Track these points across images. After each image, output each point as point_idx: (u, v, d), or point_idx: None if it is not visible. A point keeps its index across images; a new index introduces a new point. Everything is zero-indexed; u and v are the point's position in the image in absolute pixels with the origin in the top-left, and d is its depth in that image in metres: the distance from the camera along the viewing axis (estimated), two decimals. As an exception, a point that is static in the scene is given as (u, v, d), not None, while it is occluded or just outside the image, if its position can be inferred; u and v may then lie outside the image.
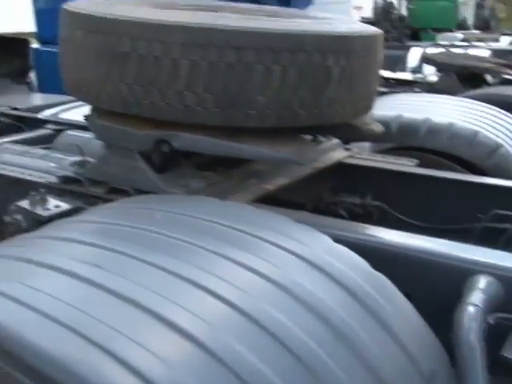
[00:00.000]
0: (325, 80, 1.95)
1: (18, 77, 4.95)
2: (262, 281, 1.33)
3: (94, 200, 2.17)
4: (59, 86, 6.05)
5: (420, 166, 2.68)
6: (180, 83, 1.84)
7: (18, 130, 3.65)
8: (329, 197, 2.63)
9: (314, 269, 1.41)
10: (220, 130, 1.94)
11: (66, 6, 2.11)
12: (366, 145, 3.22)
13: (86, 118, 2.24)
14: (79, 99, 2.23)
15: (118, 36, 1.87)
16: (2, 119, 3.74)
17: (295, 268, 1.40)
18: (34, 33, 5.15)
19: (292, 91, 1.90)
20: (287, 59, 1.86)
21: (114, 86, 1.91)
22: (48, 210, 2.11)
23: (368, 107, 2.29)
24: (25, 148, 2.96)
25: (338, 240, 1.55)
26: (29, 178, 2.44)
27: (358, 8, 9.01)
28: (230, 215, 1.59)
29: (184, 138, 1.94)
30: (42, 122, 3.58)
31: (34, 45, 5.45)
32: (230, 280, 1.30)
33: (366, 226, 1.94)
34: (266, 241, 1.48)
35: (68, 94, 2.31)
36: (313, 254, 1.46)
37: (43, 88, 5.51)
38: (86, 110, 3.49)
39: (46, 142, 3.25)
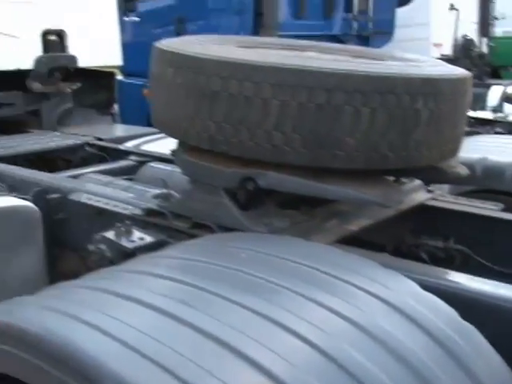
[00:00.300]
0: (413, 123, 1.93)
1: (103, 108, 5.09)
2: (344, 322, 1.33)
3: (177, 234, 2.20)
4: (140, 117, 6.21)
5: (505, 210, 2.61)
6: (269, 123, 1.85)
7: (102, 160, 3.75)
8: (410, 239, 2.58)
9: (396, 312, 1.40)
10: (306, 170, 1.94)
11: (159, 45, 2.17)
12: (446, 186, 3.16)
13: (173, 152, 2.28)
14: (167, 134, 2.27)
15: (209, 75, 1.90)
16: (88, 149, 3.85)
17: (378, 311, 1.40)
18: (119, 65, 5.30)
19: (380, 133, 1.88)
20: (377, 101, 1.85)
21: (202, 123, 1.94)
22: (133, 242, 2.15)
23: (455, 150, 2.25)
24: (109, 178, 3.05)
25: (420, 285, 1.53)
26: (113, 208, 2.50)
27: (438, 45, 8.91)
28: (316, 257, 1.59)
29: (270, 177, 1.95)
30: (124, 153, 3.67)
31: (118, 77, 5.61)
32: (312, 321, 1.31)
33: (449, 271, 1.89)
34: (352, 284, 1.48)
35: (156, 128, 2.36)
36: (397, 298, 1.45)
37: (125, 119, 5.67)
38: (167, 142, 3.58)
39: (128, 172, 3.33)
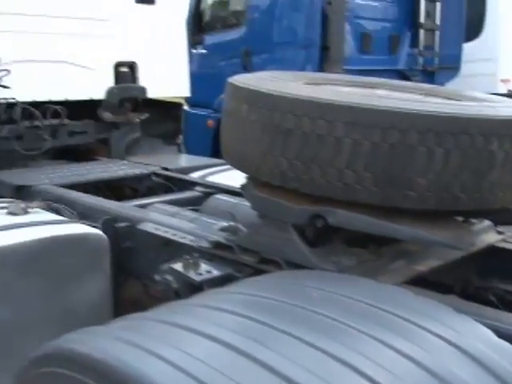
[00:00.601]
0: (488, 164, 1.90)
1: (170, 138, 5.19)
2: (414, 366, 1.31)
3: (244, 268, 2.21)
4: (204, 147, 6.30)
5: None
6: (341, 161, 1.86)
7: (168, 190, 3.81)
8: (478, 281, 2.53)
9: (468, 358, 1.38)
10: (377, 209, 1.93)
11: (233, 81, 2.20)
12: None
13: (242, 187, 2.30)
14: (237, 168, 2.30)
15: (282, 112, 1.92)
16: (154, 178, 3.92)
17: (450, 357, 1.38)
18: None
19: (454, 175, 1.86)
20: (450, 142, 1.83)
21: (274, 159, 1.96)
22: (200, 274, 2.17)
23: (529, 192, 2.21)
24: (175, 209, 3.09)
25: (493, 330, 1.51)
26: (180, 240, 2.53)
27: (505, 81, 8.77)
28: (387, 299, 1.57)
29: (340, 215, 1.95)
30: (190, 184, 3.72)
31: (184, 107, 5.70)
32: (382, 364, 1.30)
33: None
34: (424, 328, 1.46)
35: (226, 162, 2.39)
36: (469, 344, 1.43)
37: (190, 149, 5.75)
38: (231, 174, 3.63)
39: (194, 203, 3.36)
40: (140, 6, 4.72)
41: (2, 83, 3.82)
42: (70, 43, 4.34)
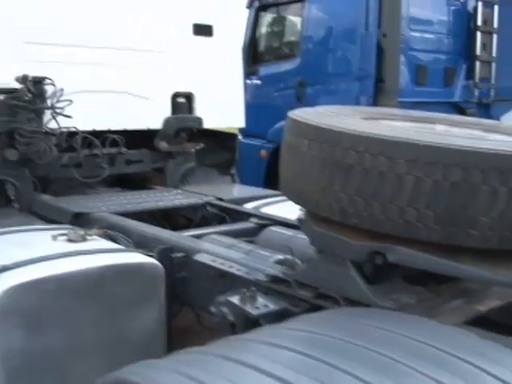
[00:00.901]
0: (553, 204, 1.86)
1: (224, 168, 5.23)
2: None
3: (301, 303, 2.21)
4: (257, 177, 6.31)
5: None
6: (402, 198, 1.84)
7: (222, 220, 3.83)
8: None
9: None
10: (438, 247, 1.90)
11: (293, 115, 2.21)
12: None
13: (300, 221, 2.30)
14: (295, 202, 2.30)
15: (344, 148, 1.92)
16: (209, 209, 3.94)
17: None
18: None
19: (517, 214, 1.83)
20: (514, 181, 1.80)
21: (335, 195, 1.95)
22: (257, 308, 2.17)
23: None
24: (231, 241, 3.10)
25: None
26: (236, 272, 2.54)
27: None
28: (449, 341, 1.55)
29: (401, 253, 1.93)
30: (245, 215, 3.73)
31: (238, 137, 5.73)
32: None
33: None
34: (487, 372, 1.43)
35: (284, 195, 2.39)
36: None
37: (242, 179, 5.77)
38: (285, 206, 3.63)
39: (249, 235, 3.37)
40: (198, 37, 4.80)
41: (65, 113, 3.92)
42: (129, 74, 4.45)
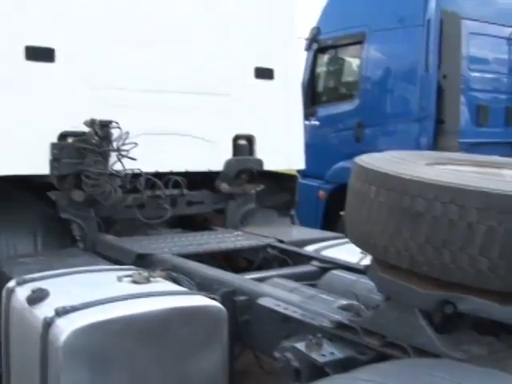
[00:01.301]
0: None
1: (283, 209, 5.24)
2: None
3: (367, 351, 2.18)
4: (315, 218, 6.28)
5: None
6: (474, 247, 1.81)
7: (283, 263, 3.83)
8: None
9: None
10: (510, 297, 1.86)
11: (360, 161, 2.21)
12: None
13: (366, 267, 2.29)
14: (362, 249, 2.29)
15: (412, 196, 1.91)
16: (270, 251, 3.95)
17: None
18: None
19: None
20: None
21: (403, 243, 1.94)
22: (323, 356, 2.16)
23: None
24: (293, 284, 3.09)
25: None
26: (301, 317, 2.52)
27: None
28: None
29: (471, 302, 1.89)
30: (306, 258, 3.72)
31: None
32: None
33: None
34: None
35: (350, 241, 2.38)
36: None
37: (300, 219, 5.77)
38: (346, 249, 3.61)
39: (311, 278, 3.35)
40: (259, 80, 4.87)
41: (129, 155, 4.01)
42: (192, 117, 4.54)
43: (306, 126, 5.50)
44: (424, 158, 2.44)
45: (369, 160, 2.20)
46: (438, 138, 6.55)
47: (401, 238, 1.95)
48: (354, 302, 2.53)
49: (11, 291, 3.00)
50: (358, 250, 2.46)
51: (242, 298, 2.87)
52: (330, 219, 7.26)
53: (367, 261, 3.14)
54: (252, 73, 4.85)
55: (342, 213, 7.00)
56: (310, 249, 3.97)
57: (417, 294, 2.00)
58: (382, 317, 2.17)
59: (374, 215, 2.05)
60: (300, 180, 6.49)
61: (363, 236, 2.17)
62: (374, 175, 2.08)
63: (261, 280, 3.20)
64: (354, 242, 2.32)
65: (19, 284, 3.00)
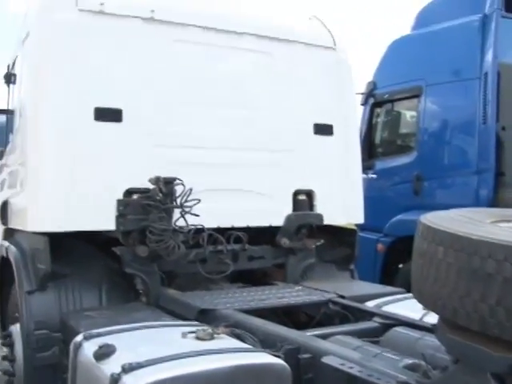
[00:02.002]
0: None
1: (343, 263, 5.22)
2: None
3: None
4: (373, 272, 6.22)
5: None
6: (547, 310, 1.79)
7: (344, 318, 3.81)
8: None
9: None
10: None
11: (426, 221, 2.22)
12: None
13: (434, 327, 2.27)
14: (429, 309, 2.27)
15: (482, 257, 1.90)
16: (331, 306, 3.94)
17: None
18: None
19: None
20: None
21: (473, 304, 1.92)
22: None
23: None
24: (357, 342, 3.06)
25: None
26: (367, 378, 2.49)
27: None
28: None
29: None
30: (368, 314, 3.69)
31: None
32: None
33: None
34: None
35: (416, 300, 2.37)
36: None
37: (359, 272, 5.73)
38: (408, 304, 3.57)
39: (373, 335, 3.32)
40: (318, 136, 4.94)
41: (192, 211, 4.08)
42: (253, 173, 4.64)
43: (363, 180, 5.52)
44: (490, 216, 2.43)
45: (435, 219, 2.20)
46: (498, 190, 6.46)
47: (471, 299, 1.93)
48: (421, 362, 2.50)
49: (78, 346, 3.05)
50: (420, 306, 2.44)
51: (306, 355, 2.86)
52: (389, 272, 7.19)
53: (430, 317, 3.12)
54: (311, 129, 4.93)
55: (401, 266, 6.95)
56: (370, 304, 3.94)
57: (488, 356, 1.97)
58: (451, 379, 2.15)
59: (443, 276, 2.05)
60: (360, 234, 6.49)
61: (431, 296, 2.16)
62: (441, 236, 2.08)
63: (323, 337, 3.18)
64: (420, 302, 2.31)
65: (86, 339, 3.06)
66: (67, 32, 4.09)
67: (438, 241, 2.09)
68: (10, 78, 5.57)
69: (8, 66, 5.79)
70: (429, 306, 2.24)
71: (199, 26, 4.51)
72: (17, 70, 5.30)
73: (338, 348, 2.90)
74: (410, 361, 2.66)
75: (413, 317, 3.41)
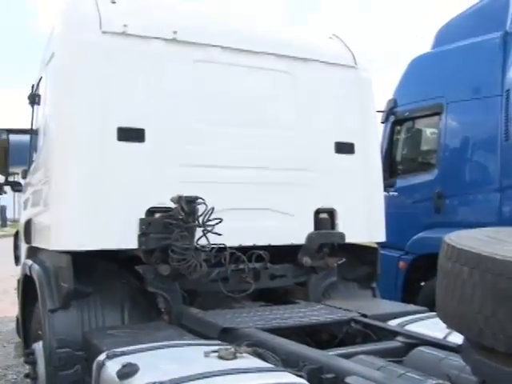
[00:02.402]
0: None
1: (364, 282, 5.21)
2: None
3: None
4: (395, 290, 6.18)
5: None
6: None
7: (367, 337, 3.79)
8: None
9: None
10: None
11: (450, 241, 2.21)
12: None
13: (459, 347, 2.25)
14: (454, 329, 2.27)
15: (508, 277, 1.89)
16: (353, 325, 3.92)
17: None
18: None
19: None
20: None
21: (500, 325, 1.91)
22: None
23: None
24: (380, 362, 3.04)
25: None
26: None
27: None
28: None
29: None
30: (391, 333, 3.67)
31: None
32: None
33: None
34: None
35: (440, 320, 2.36)
36: None
37: (380, 290, 5.70)
38: (430, 324, 3.55)
39: (396, 354, 3.30)
40: (340, 155, 4.95)
41: (214, 230, 4.10)
42: (275, 192, 4.65)
43: (384, 197, 5.50)
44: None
45: (459, 240, 2.20)
46: (520, 207, 6.42)
47: (497, 320, 1.93)
48: (446, 383, 2.48)
49: (102, 364, 3.08)
50: (443, 324, 2.42)
51: (329, 375, 2.84)
52: (411, 290, 7.14)
53: (454, 336, 3.10)
54: (333, 148, 4.94)
55: (422, 283, 6.89)
56: (393, 323, 3.92)
57: (514, 377, 1.96)
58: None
59: (468, 297, 2.04)
60: (381, 251, 6.46)
61: (456, 317, 2.15)
62: (466, 256, 2.07)
63: (346, 356, 3.17)
64: (445, 322, 2.30)
65: (109, 357, 3.08)
66: (91, 53, 4.16)
67: (462, 261, 2.08)
68: (34, 99, 5.65)
69: (32, 87, 5.88)
70: (454, 326, 2.23)
71: (220, 46, 4.56)
72: (41, 91, 5.38)
73: (362, 368, 2.87)
74: (434, 381, 2.63)
75: (436, 336, 3.39)
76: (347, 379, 2.72)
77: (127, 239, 4.09)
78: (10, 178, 7.01)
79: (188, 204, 4.05)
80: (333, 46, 5.21)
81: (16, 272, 6.87)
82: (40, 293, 4.31)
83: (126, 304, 4.31)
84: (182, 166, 4.30)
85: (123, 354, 3.10)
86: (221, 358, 2.94)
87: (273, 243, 4.59)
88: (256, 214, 4.53)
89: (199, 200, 4.10)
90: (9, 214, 32.08)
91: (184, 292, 4.29)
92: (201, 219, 4.09)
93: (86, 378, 3.74)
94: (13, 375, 6.76)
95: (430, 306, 3.73)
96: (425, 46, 7.97)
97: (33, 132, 5.94)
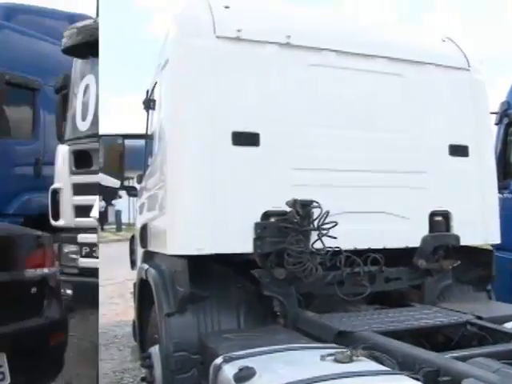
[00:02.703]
0: None
1: (479, 284, 5.13)
2: None
3: None
4: (509, 292, 6.00)
5: None
6: None
7: (482, 340, 3.74)
8: None
9: None
10: None
11: None
12: None
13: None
14: None
15: None
16: (469, 328, 3.88)
17: None
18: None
19: None
20: None
21: None
22: None
23: None
24: (497, 365, 2.96)
25: None
26: None
27: None
28: None
29: None
30: (506, 335, 3.62)
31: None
32: None
33: None
34: None
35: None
36: None
37: (495, 293, 5.57)
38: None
39: None
40: (454, 157, 4.92)
41: (329, 233, 4.15)
42: (389, 194, 4.67)
43: (499, 199, 5.39)
44: None
45: None
46: None
47: None
48: None
49: (218, 368, 3.16)
50: None
51: (446, 378, 2.84)
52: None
53: None
54: (447, 150, 4.91)
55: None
56: (509, 325, 3.86)
57: None
58: None
59: None
60: (497, 253, 6.31)
61: None
62: None
63: (463, 359, 3.12)
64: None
65: (226, 361, 3.16)
66: (205, 58, 4.24)
67: None
68: (149, 104, 5.84)
69: (147, 92, 6.07)
70: None
71: (333, 50, 4.58)
72: (156, 96, 5.53)
73: (479, 371, 2.84)
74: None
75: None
76: (464, 382, 2.71)
77: (243, 243, 4.15)
78: (126, 183, 7.15)
79: (303, 208, 4.10)
80: (446, 49, 5.17)
81: (131, 276, 7.08)
82: (156, 297, 4.41)
83: (242, 308, 4.36)
84: (296, 170, 4.35)
85: (240, 357, 3.16)
86: (337, 361, 2.96)
87: (388, 246, 4.59)
88: (371, 217, 4.54)
89: (314, 203, 4.15)
90: (124, 219, 33.12)
91: (299, 295, 4.33)
92: (316, 223, 4.14)
93: (202, 381, 3.83)
94: (129, 378, 6.90)
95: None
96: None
97: (148, 137, 6.11)
